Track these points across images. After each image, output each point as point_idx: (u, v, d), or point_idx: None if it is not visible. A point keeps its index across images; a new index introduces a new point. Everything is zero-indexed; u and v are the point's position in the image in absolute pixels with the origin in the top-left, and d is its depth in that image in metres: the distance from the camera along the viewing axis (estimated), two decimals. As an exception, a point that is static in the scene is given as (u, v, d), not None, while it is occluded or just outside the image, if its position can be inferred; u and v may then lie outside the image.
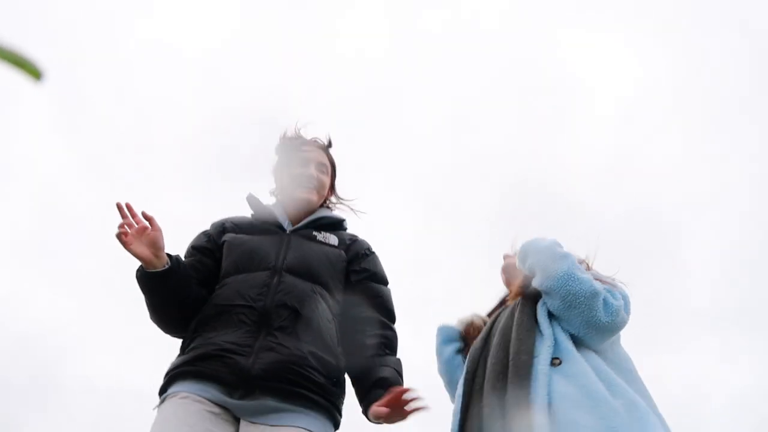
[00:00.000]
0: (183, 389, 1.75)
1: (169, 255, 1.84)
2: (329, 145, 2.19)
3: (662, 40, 9.15)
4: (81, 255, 7.73)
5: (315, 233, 2.01)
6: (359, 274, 2.02)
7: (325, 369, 1.80)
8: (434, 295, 8.88)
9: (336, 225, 2.09)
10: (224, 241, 1.98)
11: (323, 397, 1.76)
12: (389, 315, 2.02)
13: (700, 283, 8.40)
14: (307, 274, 1.88)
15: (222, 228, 2.05)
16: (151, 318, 1.92)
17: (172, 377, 1.80)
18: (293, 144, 2.12)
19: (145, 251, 1.79)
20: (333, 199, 2.18)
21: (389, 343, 1.94)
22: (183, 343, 1.88)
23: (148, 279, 1.82)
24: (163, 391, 1.82)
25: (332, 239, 2.03)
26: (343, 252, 2.01)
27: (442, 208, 10.10)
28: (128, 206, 1.83)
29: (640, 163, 9.89)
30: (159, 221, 1.86)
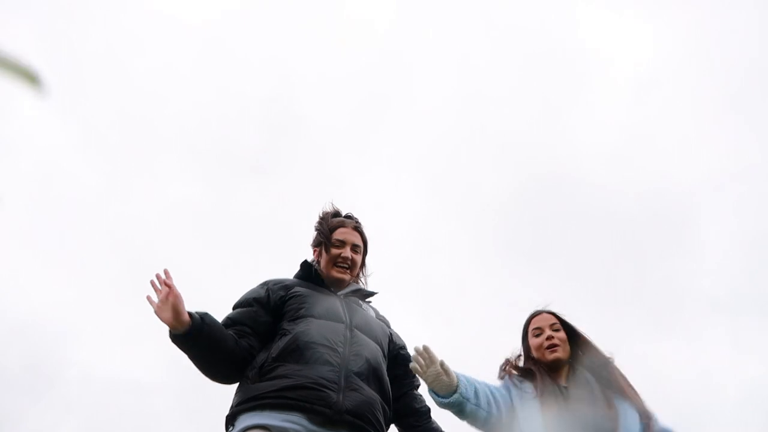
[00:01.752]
0: (264, 421, 1.93)
1: (191, 315, 2.05)
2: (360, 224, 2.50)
3: (679, 15, 9.06)
4: (79, 241, 7.80)
5: (360, 301, 2.35)
6: (396, 347, 2.36)
7: (385, 417, 2.12)
8: (440, 279, 8.93)
9: (368, 296, 2.43)
10: (294, 294, 2.23)
11: None
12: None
13: (715, 267, 8.38)
14: (372, 334, 2.20)
15: (285, 285, 2.29)
16: (202, 371, 2.14)
17: (254, 407, 1.97)
18: (331, 224, 2.43)
19: (168, 317, 2.00)
20: (362, 273, 2.47)
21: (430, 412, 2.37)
22: (261, 368, 2.05)
23: (175, 341, 2.05)
24: (235, 416, 2.01)
25: (371, 311, 2.37)
26: (382, 323, 2.35)
27: (449, 187, 10.10)
28: (157, 275, 2.07)
29: (655, 141, 9.84)
30: (174, 278, 2.08)
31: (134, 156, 8.84)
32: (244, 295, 2.31)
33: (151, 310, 2.07)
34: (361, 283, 2.45)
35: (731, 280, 8.06)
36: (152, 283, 2.06)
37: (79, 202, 8.40)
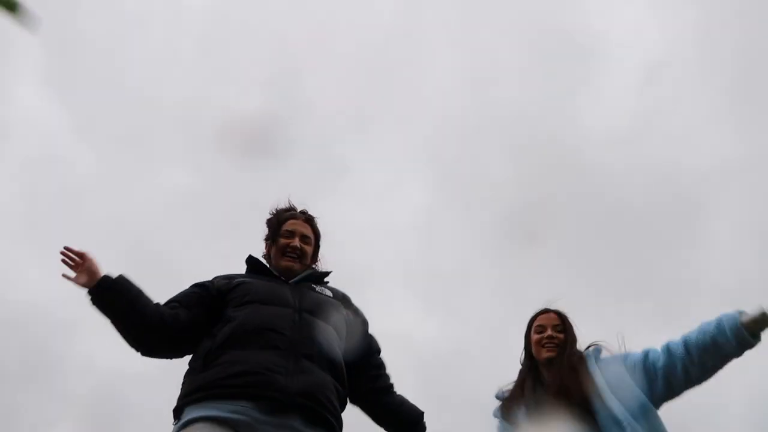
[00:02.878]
0: (209, 412, 1.92)
1: (106, 274, 2.11)
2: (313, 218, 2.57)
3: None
4: (76, 229, 7.77)
5: (313, 285, 2.37)
6: (372, 350, 2.43)
7: (339, 399, 2.12)
8: (445, 268, 8.91)
9: (321, 278, 2.45)
10: (240, 282, 2.27)
11: (337, 424, 2.07)
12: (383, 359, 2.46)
13: (725, 257, 8.34)
14: (324, 316, 2.21)
15: (229, 275, 2.34)
16: (122, 336, 2.17)
17: (199, 398, 1.96)
18: (281, 217, 2.50)
19: (84, 279, 2.08)
20: (314, 266, 2.53)
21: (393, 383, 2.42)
22: (205, 357, 2.05)
23: (92, 297, 2.09)
24: (181, 410, 2.01)
25: (327, 292, 2.39)
26: (340, 303, 2.37)
27: (455, 174, 10.07)
28: (64, 251, 2.12)
29: (665, 126, 9.78)
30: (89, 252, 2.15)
31: (132, 142, 8.81)
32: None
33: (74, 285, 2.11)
34: (315, 268, 2.49)
35: (742, 271, 8.02)
36: (63, 261, 2.12)
37: (75, 189, 8.39)
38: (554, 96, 9.91)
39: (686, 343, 2.34)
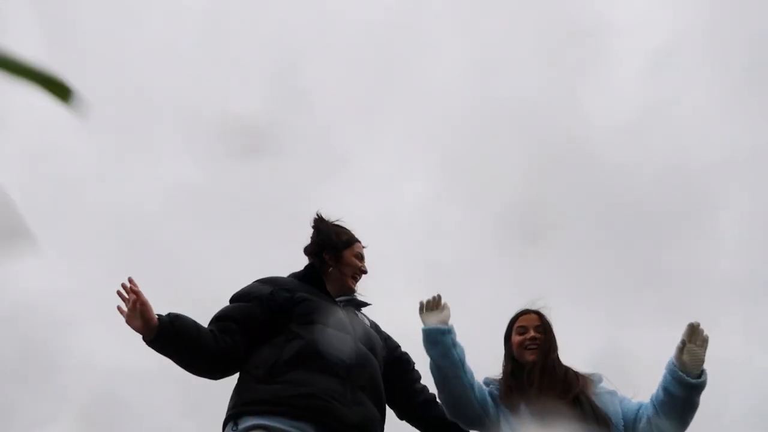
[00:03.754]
0: (270, 423, 2.01)
1: (160, 318, 2.13)
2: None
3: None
4: (74, 223, 7.74)
5: (355, 311, 2.48)
6: (392, 349, 2.55)
7: None
8: (448, 262, 8.86)
9: (361, 305, 2.56)
10: (303, 298, 2.31)
11: None
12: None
13: (733, 249, 8.28)
14: (372, 347, 2.34)
15: (290, 287, 2.38)
16: (185, 369, 2.24)
17: (262, 411, 2.05)
18: (350, 237, 2.58)
19: (138, 324, 2.09)
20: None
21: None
22: (271, 369, 2.13)
23: (150, 346, 2.14)
24: (239, 416, 2.09)
25: (366, 321, 2.51)
26: (378, 335, 2.48)
27: (458, 166, 10.01)
28: (124, 284, 2.15)
29: (673, 116, 9.70)
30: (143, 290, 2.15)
31: (132, 134, 8.76)
32: (243, 289, 2.39)
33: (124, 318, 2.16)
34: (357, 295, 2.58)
35: (751, 264, 7.96)
36: (119, 293, 2.12)
37: (74, 182, 8.34)
38: (559, 86, 9.84)
39: (652, 400, 2.37)
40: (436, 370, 2.37)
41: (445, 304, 2.44)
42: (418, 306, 2.42)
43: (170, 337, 2.12)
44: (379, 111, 10.46)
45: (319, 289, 2.45)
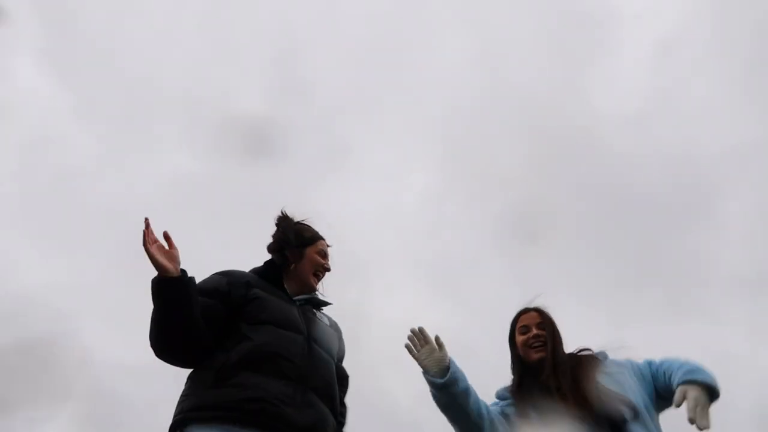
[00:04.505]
0: None
1: (184, 271, 2.12)
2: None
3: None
4: (73, 215, 7.71)
5: (314, 310, 2.44)
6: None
7: None
8: (452, 255, 8.83)
9: (321, 305, 2.52)
10: (255, 296, 2.28)
11: None
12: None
13: (739, 241, 8.22)
14: (327, 348, 2.30)
15: (246, 282, 2.34)
16: (157, 336, 2.13)
17: (209, 418, 1.99)
18: (314, 234, 2.57)
19: (166, 261, 2.07)
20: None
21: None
22: (218, 372, 2.07)
23: (164, 285, 2.07)
24: (185, 423, 2.03)
25: (325, 319, 2.46)
26: (337, 334, 2.46)
27: (462, 156, 9.94)
28: (148, 223, 2.16)
29: (680, 106, 9.62)
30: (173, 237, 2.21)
31: (132, 124, 8.72)
32: (205, 283, 2.33)
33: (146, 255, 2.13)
34: (317, 294, 2.55)
35: (758, 257, 7.89)
36: (147, 223, 2.15)
37: (73, 173, 8.31)
38: (565, 75, 9.75)
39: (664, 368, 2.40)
40: (444, 411, 2.40)
41: (436, 337, 2.40)
42: (407, 346, 2.40)
43: (186, 287, 2.11)
44: (382, 100, 10.40)
45: (276, 286, 2.42)
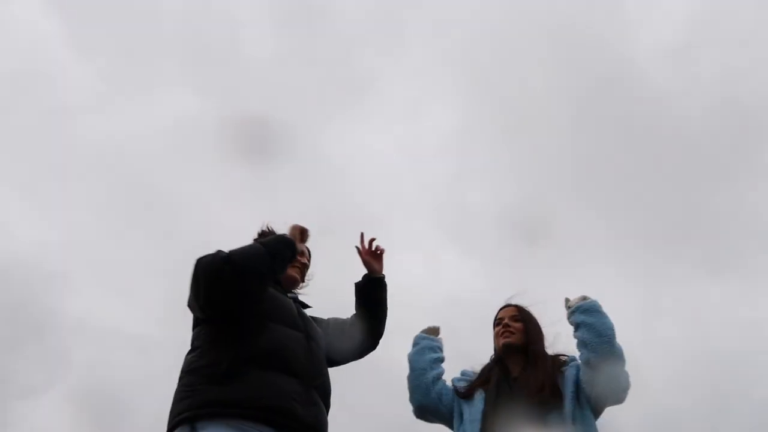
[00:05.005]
0: (234, 429, 1.95)
1: None
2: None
3: None
4: (65, 166, 7.20)
5: (300, 308, 2.46)
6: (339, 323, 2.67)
7: None
8: (477, 203, 8.35)
9: (303, 306, 2.55)
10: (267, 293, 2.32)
11: None
12: None
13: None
14: (321, 345, 2.37)
15: None
16: (252, 282, 2.19)
17: (220, 414, 1.97)
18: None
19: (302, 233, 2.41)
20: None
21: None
22: (228, 368, 2.04)
23: (292, 246, 2.31)
24: (195, 420, 1.98)
25: (310, 318, 2.50)
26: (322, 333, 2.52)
27: (488, 91, 9.33)
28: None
29: (728, 37, 8.84)
30: None
31: (129, 61, 8.12)
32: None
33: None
34: (299, 293, 2.63)
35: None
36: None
37: (66, 115, 7.76)
38: (600, 2, 9.02)
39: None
40: (409, 364, 2.76)
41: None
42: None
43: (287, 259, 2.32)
44: (404, 28, 9.72)
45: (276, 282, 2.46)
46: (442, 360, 2.79)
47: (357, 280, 2.70)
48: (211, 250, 2.16)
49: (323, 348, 2.39)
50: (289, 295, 2.48)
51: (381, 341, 2.67)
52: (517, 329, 2.66)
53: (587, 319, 2.44)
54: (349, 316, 2.72)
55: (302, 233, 2.41)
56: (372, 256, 2.64)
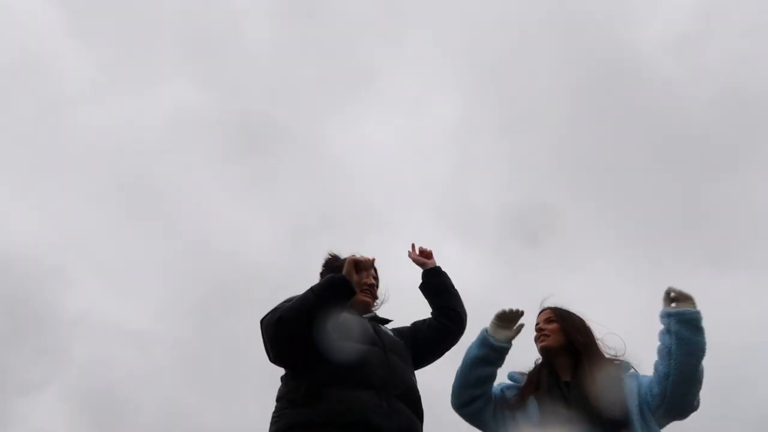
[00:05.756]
0: None
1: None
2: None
3: None
4: (64, 153, 7.13)
5: (378, 325, 2.57)
6: (422, 326, 2.71)
7: None
8: (480, 195, 8.28)
9: (384, 322, 2.67)
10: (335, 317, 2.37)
11: None
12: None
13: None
14: (403, 355, 2.46)
15: None
16: (300, 321, 2.23)
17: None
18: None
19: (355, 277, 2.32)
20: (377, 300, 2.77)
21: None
22: (306, 392, 2.18)
23: (346, 287, 2.31)
24: None
25: (390, 333, 2.59)
26: (404, 344, 2.59)
27: (492, 81, 9.26)
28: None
29: (735, 24, 8.74)
30: None
31: (128, 52, 8.05)
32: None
33: None
34: (375, 310, 2.70)
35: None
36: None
37: (64, 106, 7.70)
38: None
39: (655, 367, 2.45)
40: (464, 360, 2.57)
41: (520, 324, 2.55)
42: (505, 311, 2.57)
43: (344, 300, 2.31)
44: (405, 20, 9.64)
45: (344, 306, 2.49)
46: (493, 378, 2.60)
47: (419, 283, 2.77)
48: (271, 307, 2.35)
49: (406, 358, 2.48)
50: (364, 315, 2.57)
51: (466, 326, 2.70)
52: (553, 330, 2.59)
53: (684, 332, 2.31)
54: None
55: (358, 264, 2.37)
56: (422, 256, 2.74)
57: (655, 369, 2.37)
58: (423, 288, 2.73)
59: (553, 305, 2.71)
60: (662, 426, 2.39)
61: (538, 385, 2.53)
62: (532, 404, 2.46)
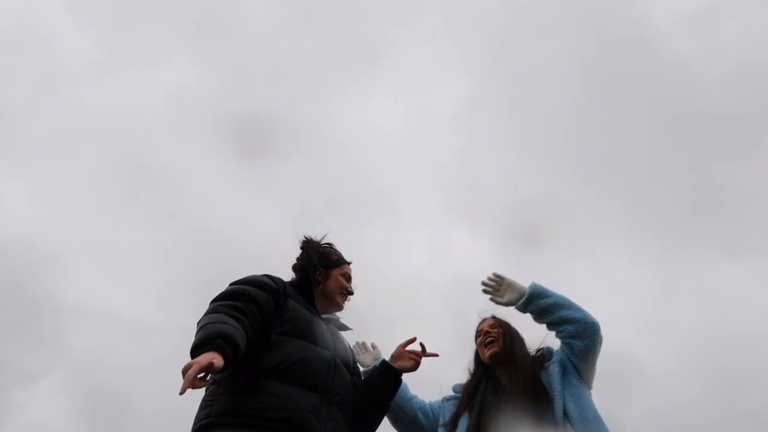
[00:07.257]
0: None
1: (224, 355, 2.08)
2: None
3: None
4: (61, 138, 7.03)
5: (335, 330, 2.63)
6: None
7: None
8: (489, 179, 8.20)
9: (342, 328, 2.73)
10: (287, 307, 2.43)
11: None
12: None
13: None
14: (347, 364, 2.50)
15: (285, 291, 2.50)
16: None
17: (237, 424, 2.08)
18: (340, 258, 2.79)
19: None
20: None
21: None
22: (248, 381, 2.17)
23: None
24: (212, 427, 2.10)
25: (344, 340, 2.64)
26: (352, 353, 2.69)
27: (500, 61, 9.14)
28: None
29: (746, 4, 8.59)
30: None
31: (128, 27, 7.94)
32: (256, 278, 2.46)
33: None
34: (339, 315, 2.76)
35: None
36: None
37: (61, 83, 7.59)
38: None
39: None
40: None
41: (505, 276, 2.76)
42: (485, 291, 2.76)
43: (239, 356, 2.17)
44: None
45: (309, 302, 2.59)
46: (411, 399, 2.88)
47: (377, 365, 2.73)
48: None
49: (351, 368, 2.53)
50: (325, 316, 2.64)
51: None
52: (497, 335, 2.75)
53: (545, 301, 2.62)
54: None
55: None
56: (417, 356, 2.62)
57: (563, 340, 2.61)
58: (381, 378, 2.59)
59: (495, 316, 2.90)
60: (589, 378, 2.61)
61: (472, 397, 2.69)
62: (463, 422, 2.62)
